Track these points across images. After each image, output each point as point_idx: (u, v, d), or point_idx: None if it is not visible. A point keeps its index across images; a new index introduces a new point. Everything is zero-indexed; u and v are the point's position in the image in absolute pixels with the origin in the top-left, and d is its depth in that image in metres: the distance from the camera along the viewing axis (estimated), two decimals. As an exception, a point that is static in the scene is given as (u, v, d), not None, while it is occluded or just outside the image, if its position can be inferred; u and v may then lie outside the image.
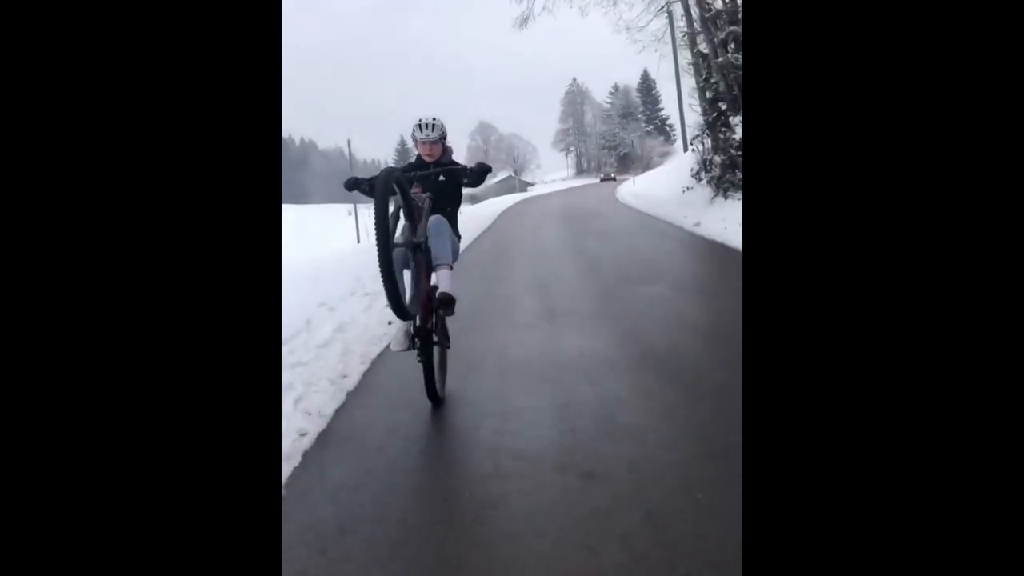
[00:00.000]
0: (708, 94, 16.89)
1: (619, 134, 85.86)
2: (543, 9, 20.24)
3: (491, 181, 76.92)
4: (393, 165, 4.45)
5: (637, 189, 29.06)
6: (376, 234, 3.29)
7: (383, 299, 4.30)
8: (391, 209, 3.69)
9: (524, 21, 20.98)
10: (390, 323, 5.82)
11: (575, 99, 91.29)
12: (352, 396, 4.80)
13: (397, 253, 3.73)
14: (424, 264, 3.99)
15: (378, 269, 3.38)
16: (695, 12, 17.32)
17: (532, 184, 79.71)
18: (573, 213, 23.48)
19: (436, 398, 4.25)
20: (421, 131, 4.35)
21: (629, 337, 5.91)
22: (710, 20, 16.58)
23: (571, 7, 19.24)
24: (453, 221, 4.41)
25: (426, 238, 4.01)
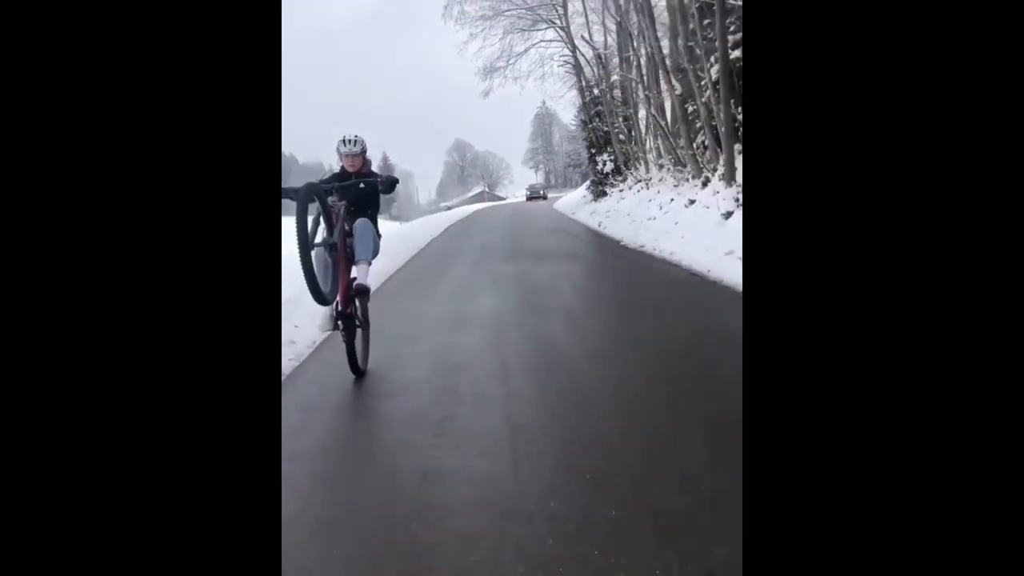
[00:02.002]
0: (586, 143, 28.39)
1: (583, 154, 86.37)
2: (499, 84, 29.22)
3: (467, 194, 77.06)
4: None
5: (566, 199, 40.21)
6: (297, 235, 3.74)
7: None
8: (314, 215, 4.32)
9: (487, 93, 29.52)
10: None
11: (544, 120, 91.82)
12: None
13: (319, 251, 4.36)
14: (342, 259, 4.53)
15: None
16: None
17: (504, 198, 79.69)
18: (518, 212, 32.82)
19: (358, 371, 4.76)
20: (344, 146, 4.92)
21: (508, 235, 18.33)
22: (588, 103, 27.02)
23: (515, 84, 28.64)
24: (374, 222, 4.95)
25: (345, 237, 4.59)
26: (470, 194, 79.94)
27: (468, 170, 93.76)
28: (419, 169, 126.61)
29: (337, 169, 5.10)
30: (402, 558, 2.56)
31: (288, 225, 4.11)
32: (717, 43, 12.23)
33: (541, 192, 58.30)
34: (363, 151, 4.98)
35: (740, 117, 12.16)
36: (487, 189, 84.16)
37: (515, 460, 3.31)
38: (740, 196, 10.84)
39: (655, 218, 14.47)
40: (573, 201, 31.95)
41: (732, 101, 12.39)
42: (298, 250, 3.77)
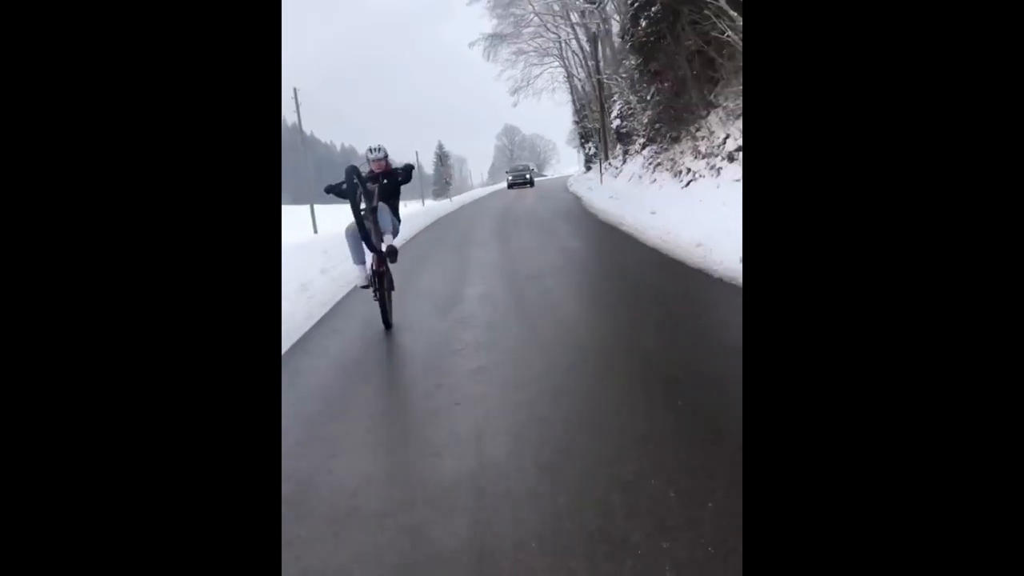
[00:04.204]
0: (579, 135, 37.49)
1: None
2: (523, 97, 38.93)
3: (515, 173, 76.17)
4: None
5: (575, 174, 43.46)
6: (352, 209, 5.38)
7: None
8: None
9: (515, 105, 38.77)
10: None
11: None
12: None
13: (352, 226, 5.59)
14: (376, 227, 5.68)
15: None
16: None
17: (546, 175, 78.23)
18: (542, 183, 42.71)
19: (388, 324, 5.74)
20: (371, 153, 5.96)
21: (520, 193, 30.86)
22: (579, 109, 36.46)
23: (534, 95, 39.12)
24: (395, 208, 5.97)
25: (376, 212, 5.73)
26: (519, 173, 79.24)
27: (517, 152, 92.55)
28: (472, 154, 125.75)
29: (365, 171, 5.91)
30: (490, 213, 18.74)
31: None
32: (603, 95, 26.40)
33: (527, 176, 40.49)
34: (385, 156, 5.98)
35: (615, 128, 23.89)
36: (535, 168, 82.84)
37: (505, 208, 20.45)
38: (605, 167, 24.41)
39: (591, 178, 25.75)
40: (575, 173, 40.91)
41: (606, 124, 25.14)
42: (354, 218, 5.39)
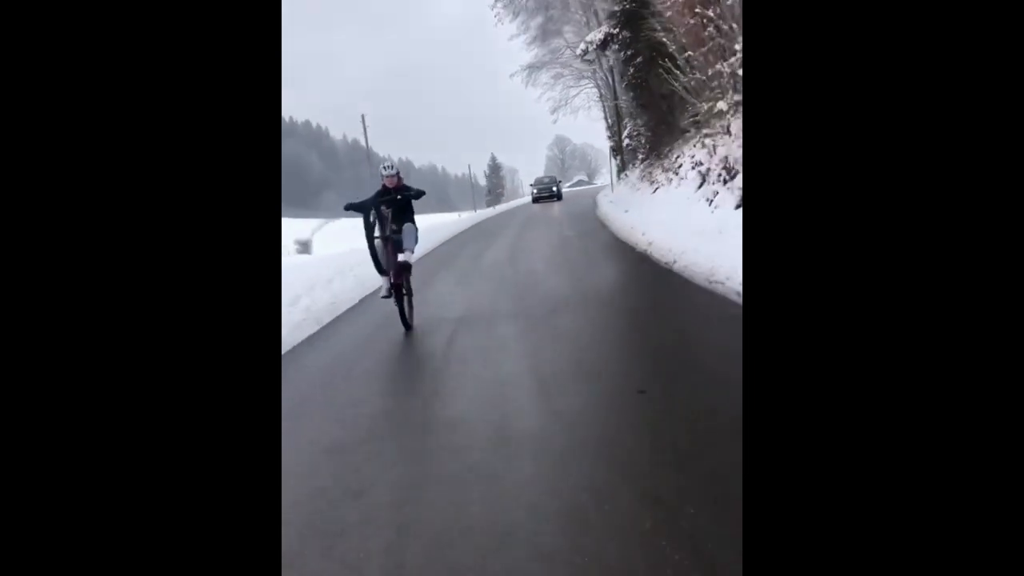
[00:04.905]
0: (611, 145, 30.75)
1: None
2: (563, 115, 32.60)
3: (567, 184, 68.62)
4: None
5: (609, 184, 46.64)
6: (365, 233, 5.07)
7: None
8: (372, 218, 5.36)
9: (555, 121, 32.15)
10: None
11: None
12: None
13: (379, 241, 5.22)
14: (392, 247, 5.20)
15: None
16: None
17: (595, 183, 69.99)
18: (579, 192, 40.02)
19: (407, 326, 5.25)
20: (385, 170, 5.33)
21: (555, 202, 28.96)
22: (611, 126, 29.03)
23: (572, 113, 30.65)
24: (411, 220, 5.43)
25: (396, 232, 5.22)
26: (570, 183, 66.70)
27: (568, 162, 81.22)
28: (524, 164, 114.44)
29: (380, 187, 5.54)
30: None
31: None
32: (618, 119, 23.63)
33: (553, 188, 29.76)
34: (397, 173, 5.43)
35: (627, 144, 21.93)
36: (585, 178, 73.60)
37: (532, 213, 21.07)
38: (621, 178, 21.79)
39: (613, 188, 24.33)
40: (607, 185, 42.43)
41: (622, 142, 22.59)
42: (367, 242, 5.05)
